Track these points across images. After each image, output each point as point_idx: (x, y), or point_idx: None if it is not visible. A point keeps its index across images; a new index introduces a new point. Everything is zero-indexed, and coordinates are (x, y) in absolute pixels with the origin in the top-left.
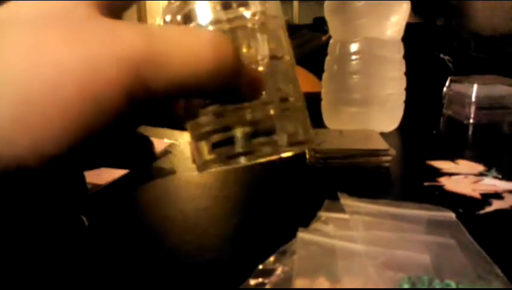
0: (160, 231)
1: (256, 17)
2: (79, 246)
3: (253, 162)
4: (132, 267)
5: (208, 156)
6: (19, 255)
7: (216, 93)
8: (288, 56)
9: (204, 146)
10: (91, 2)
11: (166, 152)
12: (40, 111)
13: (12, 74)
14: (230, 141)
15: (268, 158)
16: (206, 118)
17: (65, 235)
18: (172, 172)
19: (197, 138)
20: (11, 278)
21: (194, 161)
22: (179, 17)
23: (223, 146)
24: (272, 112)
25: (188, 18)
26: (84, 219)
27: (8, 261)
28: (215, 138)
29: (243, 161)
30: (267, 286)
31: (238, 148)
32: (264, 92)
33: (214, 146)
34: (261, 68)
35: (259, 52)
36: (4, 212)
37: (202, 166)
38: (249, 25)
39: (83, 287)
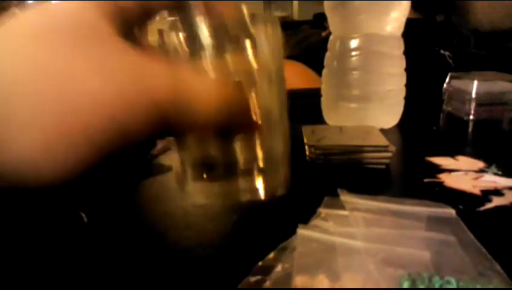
0: (159, 227)
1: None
2: (78, 243)
3: (229, 202)
4: (132, 264)
5: (191, 185)
6: (19, 252)
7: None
8: (278, 109)
9: (190, 173)
10: (110, 18)
11: (166, 149)
12: (69, 137)
13: (45, 100)
14: (214, 175)
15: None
16: (195, 144)
17: (64, 231)
18: (171, 168)
19: (184, 162)
20: (11, 275)
21: (177, 182)
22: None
23: (207, 179)
24: (260, 163)
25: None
26: (83, 215)
27: (7, 259)
28: (200, 168)
29: (220, 200)
30: (267, 283)
31: (221, 187)
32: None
33: (199, 176)
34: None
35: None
36: (4, 211)
37: (183, 190)
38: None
39: (83, 284)
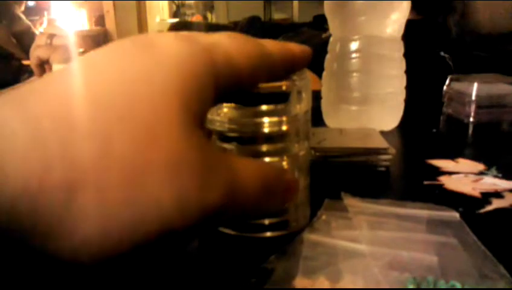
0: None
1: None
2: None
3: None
4: (130, 266)
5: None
6: (19, 253)
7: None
8: (305, 151)
9: None
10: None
11: None
12: (124, 239)
13: (109, 202)
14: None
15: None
16: None
17: None
18: None
19: None
20: (11, 278)
21: None
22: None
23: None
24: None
25: None
26: None
27: (7, 260)
28: None
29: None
30: (267, 285)
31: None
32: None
33: None
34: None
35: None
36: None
37: None
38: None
39: (83, 286)
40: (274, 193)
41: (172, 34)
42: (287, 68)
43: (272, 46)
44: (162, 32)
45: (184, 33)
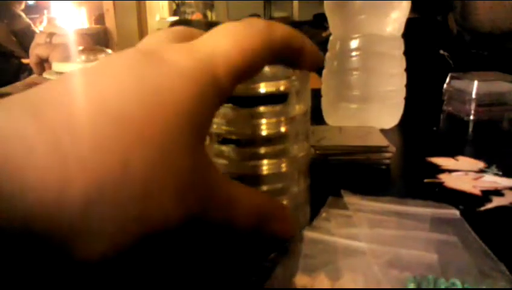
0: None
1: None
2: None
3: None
4: (130, 265)
5: None
6: (19, 253)
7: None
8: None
9: None
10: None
11: None
12: (135, 243)
13: (126, 221)
14: None
15: None
16: None
17: None
18: None
19: None
20: (11, 279)
21: None
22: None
23: None
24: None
25: None
26: None
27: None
28: None
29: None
30: (268, 283)
31: None
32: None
33: None
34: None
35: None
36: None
37: None
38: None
39: (83, 286)
40: (269, 227)
41: (177, 46)
42: (293, 58)
43: (282, 31)
44: (168, 45)
45: (186, 44)
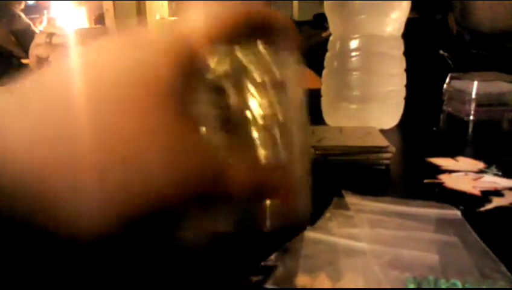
0: (159, 228)
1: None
2: (78, 245)
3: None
4: (131, 266)
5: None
6: (19, 255)
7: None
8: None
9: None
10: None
11: None
12: (126, 216)
13: (110, 183)
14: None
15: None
16: None
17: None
18: None
19: None
20: (11, 278)
21: None
22: None
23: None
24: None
25: None
26: None
27: (8, 261)
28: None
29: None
30: (268, 283)
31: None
32: None
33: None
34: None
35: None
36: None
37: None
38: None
39: (83, 286)
40: (267, 195)
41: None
42: (257, 29)
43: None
44: (145, 29)
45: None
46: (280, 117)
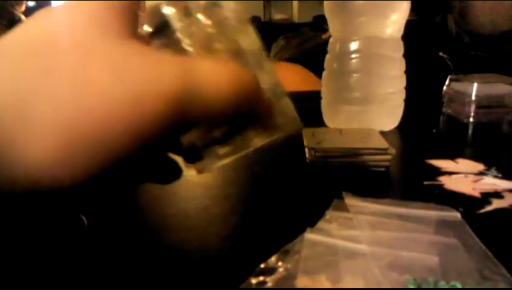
0: (160, 230)
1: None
2: (79, 246)
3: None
4: (132, 267)
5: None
6: (19, 255)
7: (239, 118)
8: (256, 46)
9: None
10: (122, 16)
11: None
12: (84, 139)
13: (61, 103)
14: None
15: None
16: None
17: (65, 235)
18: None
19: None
20: (11, 278)
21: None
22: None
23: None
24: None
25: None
26: (84, 218)
27: (8, 261)
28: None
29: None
30: (268, 284)
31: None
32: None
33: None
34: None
35: (228, 47)
36: (4, 212)
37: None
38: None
39: (83, 287)
40: (243, 96)
41: None
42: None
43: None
44: None
45: None
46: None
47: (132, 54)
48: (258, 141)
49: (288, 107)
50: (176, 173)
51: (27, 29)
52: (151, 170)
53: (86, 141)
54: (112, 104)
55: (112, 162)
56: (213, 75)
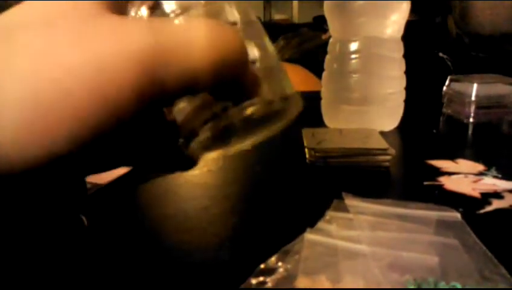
0: (160, 230)
1: None
2: (78, 246)
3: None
4: (132, 267)
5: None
6: (19, 255)
7: (222, 88)
8: (254, 18)
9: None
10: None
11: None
12: (50, 113)
13: (22, 78)
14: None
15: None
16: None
17: (65, 235)
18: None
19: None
20: (11, 278)
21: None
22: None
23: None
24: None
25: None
26: (84, 218)
27: (7, 261)
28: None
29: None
30: (268, 285)
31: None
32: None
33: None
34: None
35: (230, 18)
36: (4, 212)
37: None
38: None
39: (83, 287)
40: (227, 57)
41: None
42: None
43: None
44: None
45: None
46: None
47: (100, 24)
48: (260, 133)
49: (288, 87)
50: (191, 159)
51: (5, 14)
52: (168, 159)
53: (52, 114)
54: (74, 73)
55: (88, 136)
56: (187, 32)
